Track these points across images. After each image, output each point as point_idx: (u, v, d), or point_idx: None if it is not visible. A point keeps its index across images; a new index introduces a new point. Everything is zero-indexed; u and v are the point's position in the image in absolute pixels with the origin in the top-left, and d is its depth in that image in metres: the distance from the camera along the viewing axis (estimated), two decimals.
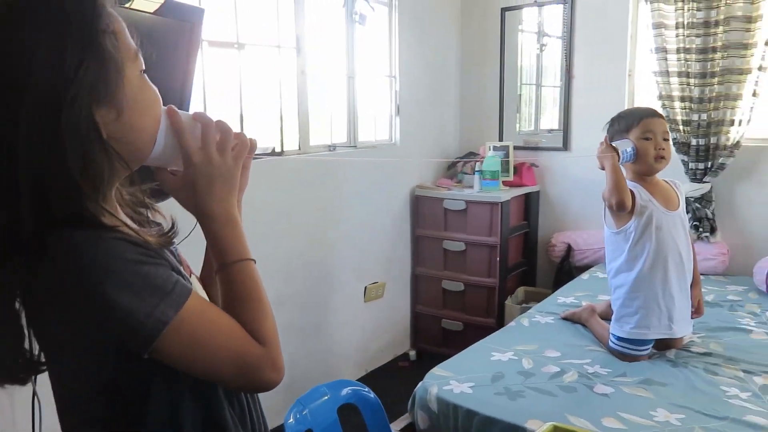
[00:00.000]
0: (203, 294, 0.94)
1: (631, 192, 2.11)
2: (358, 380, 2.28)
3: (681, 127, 3.22)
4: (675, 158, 2.60)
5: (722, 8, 3.01)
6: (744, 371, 2.06)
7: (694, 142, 3.18)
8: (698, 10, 3.06)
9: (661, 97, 3.24)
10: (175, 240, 0.87)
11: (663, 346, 2.24)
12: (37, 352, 0.82)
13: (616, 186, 2.07)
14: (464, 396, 1.93)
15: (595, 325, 2.41)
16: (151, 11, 1.48)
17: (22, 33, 0.69)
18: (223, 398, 0.85)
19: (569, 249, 3.58)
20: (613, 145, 2.13)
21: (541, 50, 3.84)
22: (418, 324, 3.78)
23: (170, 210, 0.90)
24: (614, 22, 3.46)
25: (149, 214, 0.90)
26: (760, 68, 3.03)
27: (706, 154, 3.18)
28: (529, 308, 2.84)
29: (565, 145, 3.70)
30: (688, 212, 2.63)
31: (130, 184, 0.86)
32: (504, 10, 3.79)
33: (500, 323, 3.25)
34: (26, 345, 0.80)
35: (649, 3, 3.18)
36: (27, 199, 0.70)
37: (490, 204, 3.38)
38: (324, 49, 3.07)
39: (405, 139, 3.59)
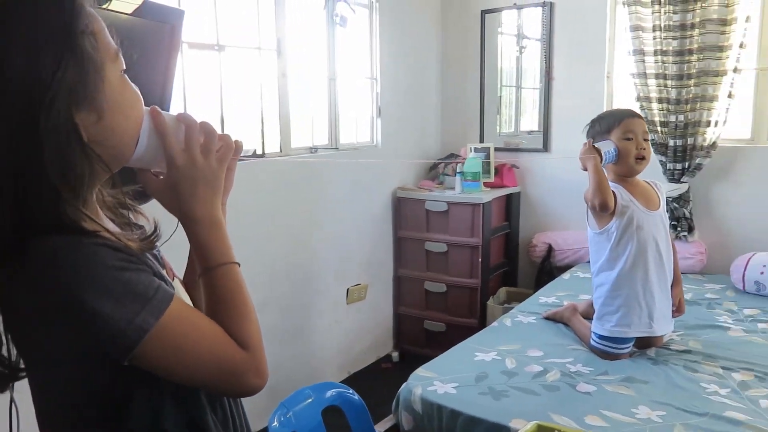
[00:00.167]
0: (186, 298, 0.93)
1: (613, 193, 2.14)
2: (341, 382, 2.28)
3: (659, 128, 3.27)
4: (653, 159, 2.63)
5: (698, 11, 3.06)
6: (723, 368, 2.09)
7: (671, 143, 3.23)
8: (674, 13, 3.10)
9: (639, 99, 3.29)
10: (157, 243, 0.86)
11: (643, 344, 2.27)
12: (15, 359, 0.80)
13: (599, 187, 2.09)
14: (448, 396, 1.93)
15: (576, 324, 2.44)
16: (129, 12, 1.46)
17: None
18: (206, 403, 0.84)
19: (550, 249, 3.60)
20: (596, 146, 2.15)
21: (521, 52, 3.87)
22: (400, 325, 3.78)
23: (153, 212, 0.89)
24: (592, 24, 3.50)
25: (131, 216, 0.88)
26: (735, 70, 3.08)
27: (684, 154, 3.23)
28: (512, 308, 2.86)
29: (546, 147, 3.73)
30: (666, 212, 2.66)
31: (112, 186, 0.85)
32: (484, 12, 3.81)
33: (482, 324, 3.26)
34: (4, 352, 0.79)
35: (626, 6, 3.22)
36: (5, 205, 0.69)
37: (472, 205, 3.40)
38: (305, 51, 3.06)
39: (386, 140, 3.60)
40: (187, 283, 0.98)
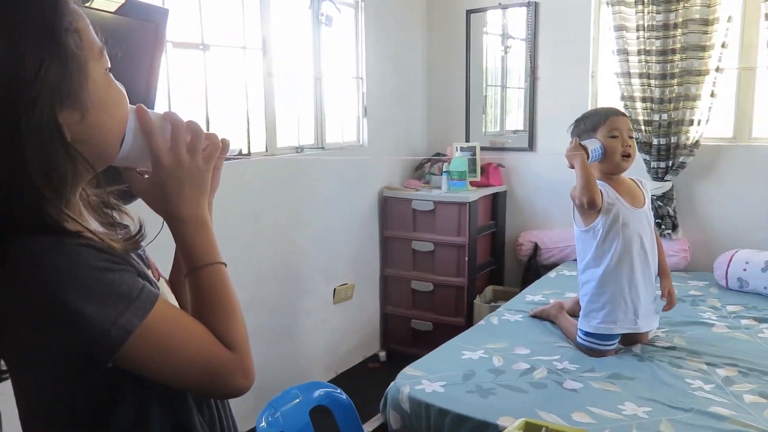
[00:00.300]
0: (172, 299, 0.92)
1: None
2: (328, 382, 2.27)
3: (643, 127, 3.30)
4: (637, 157, 2.66)
5: (680, 11, 3.09)
6: (707, 364, 2.12)
7: (655, 141, 3.26)
8: (658, 13, 3.13)
9: (623, 98, 3.32)
10: (142, 243, 0.85)
11: (629, 341, 2.28)
12: None
13: (587, 184, 2.11)
14: (436, 395, 1.94)
15: (563, 321, 2.45)
16: (112, 11, 1.45)
17: None
18: (192, 404, 0.84)
19: (536, 248, 3.62)
20: (582, 144, 2.16)
21: (506, 52, 3.88)
22: (387, 325, 3.78)
23: (138, 212, 0.88)
24: (577, 24, 3.52)
25: (116, 216, 0.87)
26: (717, 69, 3.12)
27: (667, 153, 3.26)
28: (498, 307, 2.87)
29: (531, 146, 3.75)
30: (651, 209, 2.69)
31: (96, 185, 0.83)
32: (469, 12, 3.82)
33: (469, 322, 3.27)
34: None
35: (610, 6, 3.25)
36: None
37: (458, 204, 3.40)
38: (290, 51, 3.05)
39: (373, 140, 3.60)
40: (172, 283, 0.97)
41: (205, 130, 0.83)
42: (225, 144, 0.87)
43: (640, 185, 2.33)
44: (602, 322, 2.21)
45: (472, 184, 3.61)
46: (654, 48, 3.17)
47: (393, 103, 3.76)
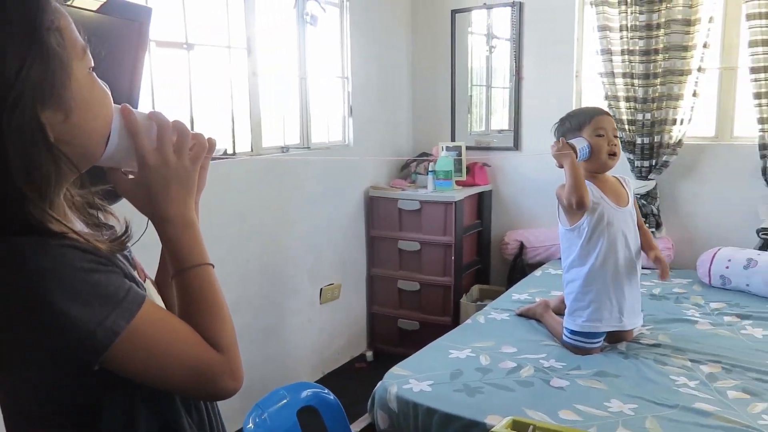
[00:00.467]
0: (158, 299, 0.91)
1: None
2: (315, 383, 2.26)
3: (627, 127, 3.33)
4: (622, 157, 2.67)
5: (663, 12, 3.13)
6: (691, 360, 2.14)
7: (639, 140, 3.29)
8: (641, 13, 3.16)
9: (607, 98, 3.34)
10: (128, 244, 0.84)
11: (614, 339, 2.30)
12: None
13: (577, 183, 2.11)
14: (424, 394, 1.94)
15: (549, 320, 2.46)
16: (95, 9, 1.43)
17: None
18: (180, 406, 0.83)
19: (522, 246, 3.64)
20: (570, 143, 2.17)
21: (491, 52, 3.90)
22: (374, 324, 3.78)
23: (123, 212, 0.87)
24: (561, 24, 3.54)
25: (101, 217, 0.86)
26: (699, 69, 3.15)
27: (651, 152, 3.29)
28: (485, 306, 2.88)
29: (516, 145, 3.77)
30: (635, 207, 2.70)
31: (81, 186, 0.83)
32: (454, 12, 3.83)
33: (456, 321, 3.28)
34: None
35: (594, 6, 3.27)
36: None
37: (444, 204, 3.41)
38: (275, 50, 3.04)
39: (358, 140, 3.59)
40: (159, 284, 0.96)
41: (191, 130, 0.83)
42: (212, 144, 0.86)
43: (624, 183, 2.35)
44: (587, 320, 2.22)
45: (458, 183, 3.62)
46: (637, 48, 3.20)
47: (378, 103, 3.76)
